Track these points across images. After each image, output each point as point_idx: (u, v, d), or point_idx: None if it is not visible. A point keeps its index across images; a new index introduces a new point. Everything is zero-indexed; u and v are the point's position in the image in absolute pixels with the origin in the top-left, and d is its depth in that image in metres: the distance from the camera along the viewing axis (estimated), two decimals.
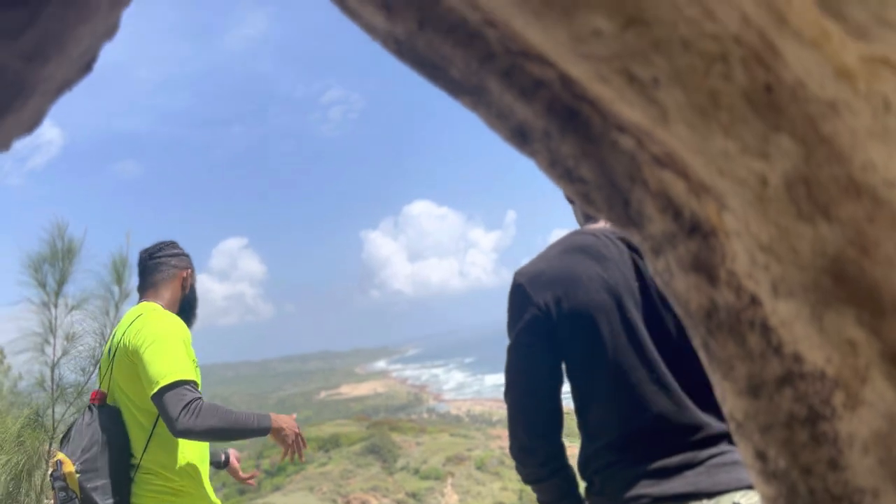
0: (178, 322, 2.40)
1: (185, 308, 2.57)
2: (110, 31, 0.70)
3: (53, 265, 3.95)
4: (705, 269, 0.73)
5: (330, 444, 44.74)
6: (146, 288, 2.53)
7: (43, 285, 3.99)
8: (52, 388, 3.92)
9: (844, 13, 0.48)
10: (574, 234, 1.60)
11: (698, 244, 0.73)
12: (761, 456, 0.76)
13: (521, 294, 1.52)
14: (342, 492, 38.18)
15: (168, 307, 2.48)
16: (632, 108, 0.66)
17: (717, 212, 0.70)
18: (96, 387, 2.49)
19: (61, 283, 4.00)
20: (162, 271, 2.54)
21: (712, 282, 0.73)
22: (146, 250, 2.61)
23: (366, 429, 46.89)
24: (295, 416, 2.50)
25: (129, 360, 2.31)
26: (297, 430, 2.39)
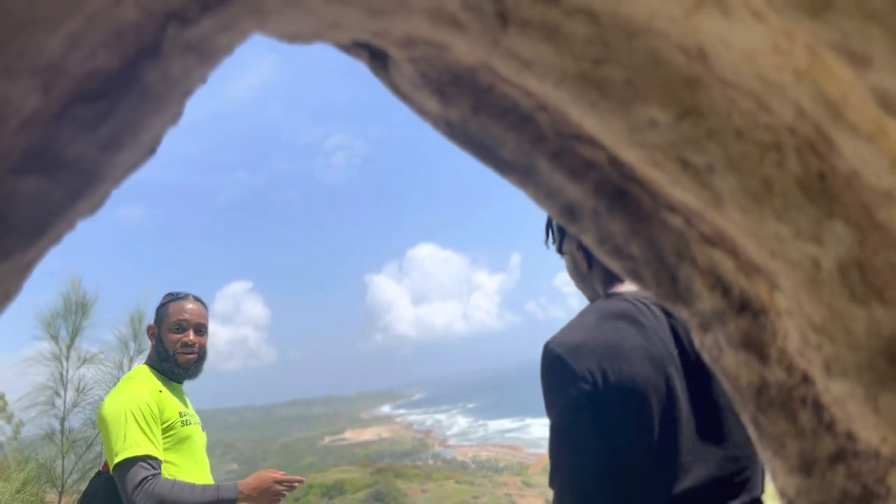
0: (133, 391, 2.35)
1: (163, 361, 2.54)
2: (176, 117, 0.73)
3: (66, 318, 3.97)
4: (755, 346, 0.74)
5: (334, 491, 44.06)
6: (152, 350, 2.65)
7: (55, 338, 4.00)
8: (62, 440, 3.90)
9: None
10: (608, 300, 1.53)
11: (748, 322, 0.74)
12: None
13: (561, 367, 1.42)
14: None
15: (150, 363, 2.54)
16: (685, 192, 0.68)
17: (769, 291, 0.71)
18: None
19: (74, 335, 4.02)
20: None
21: (763, 359, 0.74)
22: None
23: (370, 475, 46.21)
24: (272, 471, 2.45)
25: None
26: (275, 478, 2.38)
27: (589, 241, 0.78)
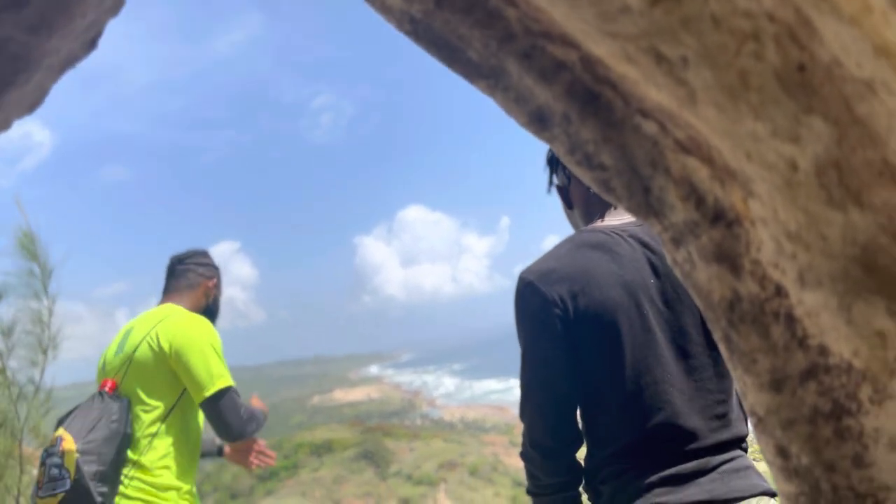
0: (212, 326, 2.45)
1: (205, 316, 2.58)
2: (117, 5, 0.68)
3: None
4: (729, 258, 0.71)
5: (323, 450, 44.55)
6: (170, 291, 2.59)
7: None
8: (9, 387, 3.83)
9: None
10: (584, 231, 1.52)
11: (722, 233, 0.71)
12: (783, 452, 0.74)
13: (532, 292, 1.42)
14: (334, 497, 38.01)
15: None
16: (658, 90, 0.64)
17: (743, 199, 0.68)
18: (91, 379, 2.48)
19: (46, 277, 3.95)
20: (188, 278, 2.60)
21: (736, 272, 0.71)
22: (177, 255, 2.66)
23: (359, 434, 46.69)
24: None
25: (157, 359, 2.32)
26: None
27: (559, 150, 0.75)
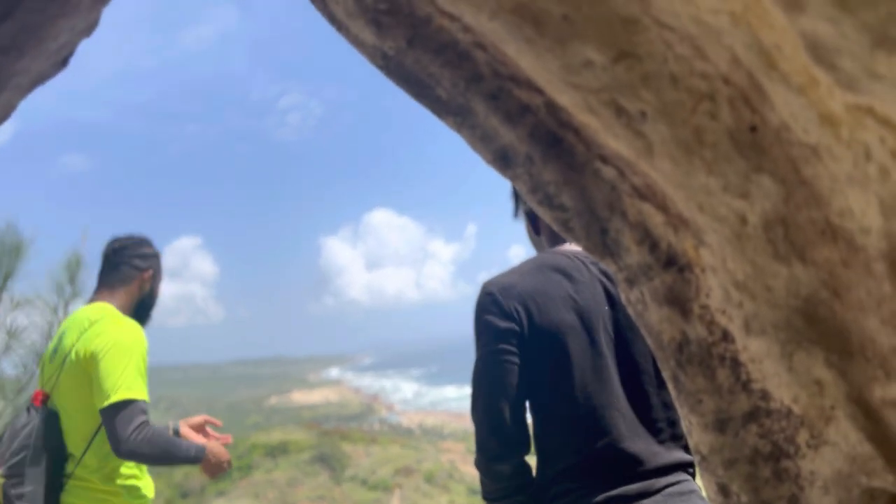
0: (138, 331, 2.35)
1: (140, 308, 2.50)
2: (90, 27, 0.68)
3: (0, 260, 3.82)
4: (679, 302, 0.74)
5: (278, 451, 44.05)
6: (103, 286, 2.46)
7: None
8: None
9: (835, 63, 0.49)
10: (547, 253, 1.59)
11: (673, 277, 0.74)
12: (724, 490, 0.77)
13: (492, 303, 1.49)
14: (288, 500, 37.61)
15: (121, 310, 2.41)
16: (617, 140, 0.66)
17: (694, 247, 0.71)
18: (37, 386, 2.40)
19: (6, 278, 3.88)
20: (122, 272, 2.46)
21: (685, 315, 0.74)
22: (113, 244, 2.51)
23: (315, 437, 46.30)
24: (227, 446, 2.50)
25: (82, 365, 2.24)
26: (225, 462, 2.41)
27: (521, 188, 0.77)
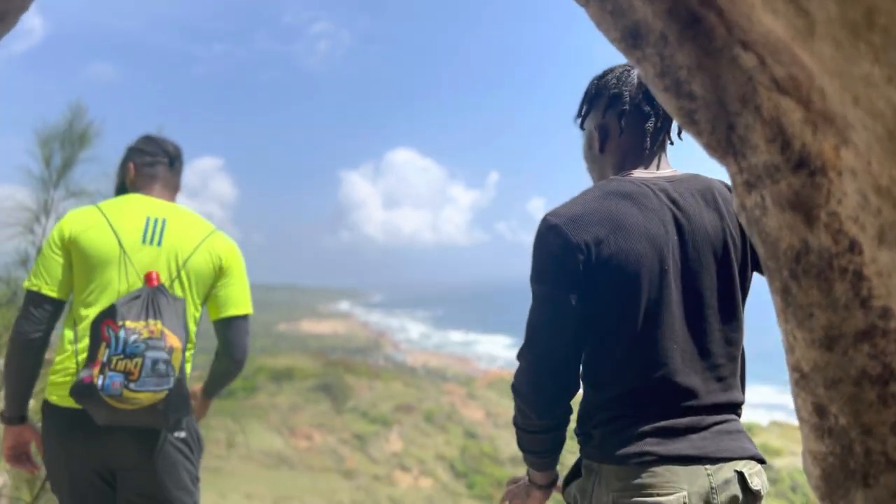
0: None
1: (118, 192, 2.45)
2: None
3: (64, 145, 3.76)
4: (804, 207, 0.70)
5: (283, 376, 44.92)
6: (166, 186, 2.37)
7: (47, 161, 3.80)
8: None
9: None
10: (613, 180, 1.49)
11: (802, 180, 0.69)
12: (821, 411, 0.74)
13: (556, 235, 1.39)
14: (288, 423, 38.53)
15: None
16: (775, 17, 0.61)
17: (835, 147, 0.66)
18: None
19: (68, 164, 3.83)
20: (179, 179, 2.46)
21: (809, 222, 0.70)
22: (176, 147, 2.45)
23: (321, 366, 47.12)
24: None
25: (214, 274, 2.26)
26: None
27: (648, 72, 0.72)
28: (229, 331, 2.26)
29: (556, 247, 1.38)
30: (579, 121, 1.65)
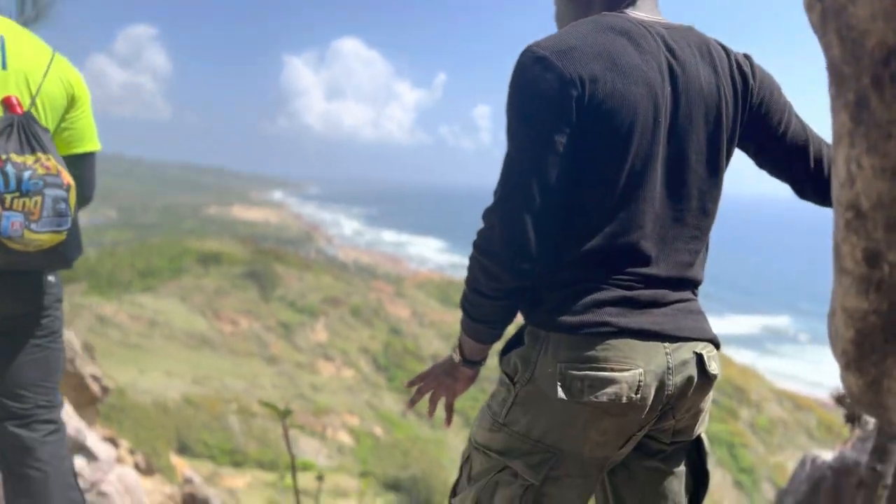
0: None
1: None
2: None
3: None
4: None
5: (210, 260, 44.36)
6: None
7: None
8: None
9: None
10: (605, 15, 1.28)
11: None
12: (872, 259, 0.60)
13: (545, 67, 1.18)
14: (213, 307, 38.37)
15: None
16: None
17: None
18: None
19: None
20: None
21: None
22: None
23: (250, 253, 46.66)
24: None
25: (67, 102, 1.95)
26: None
27: None
28: (83, 168, 2.01)
29: (546, 81, 1.19)
30: None
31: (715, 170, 1.30)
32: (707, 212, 1.31)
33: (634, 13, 1.30)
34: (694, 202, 1.28)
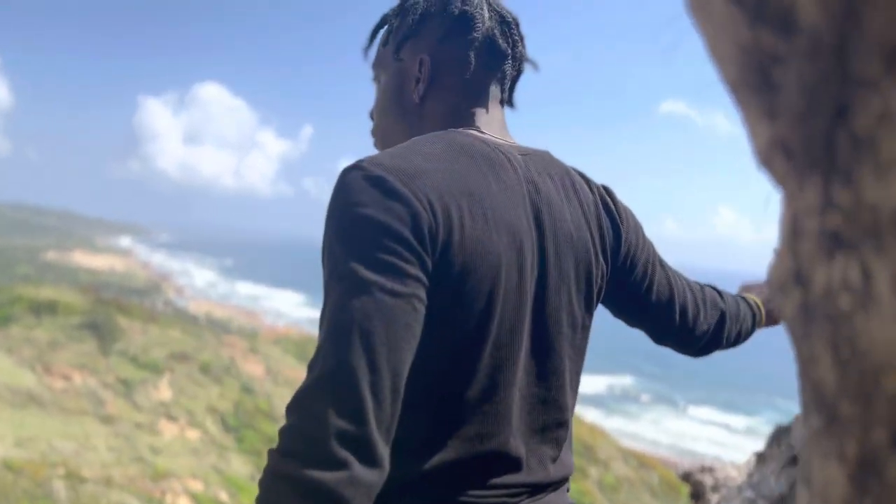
0: None
1: None
2: None
3: None
4: None
5: (45, 309, 41.04)
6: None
7: None
8: None
9: None
10: (455, 132, 0.99)
11: None
12: None
13: (387, 191, 0.84)
14: (44, 360, 35.29)
15: None
16: None
17: None
18: None
19: None
20: None
21: None
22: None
23: (90, 303, 43.59)
24: None
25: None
26: None
27: None
28: None
29: (386, 209, 0.83)
30: (388, 48, 1.10)
31: (585, 335, 1.07)
32: (575, 388, 1.07)
33: (485, 133, 1.04)
34: (564, 377, 1.02)
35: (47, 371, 33.81)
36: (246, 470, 27.13)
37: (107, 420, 30.09)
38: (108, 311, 41.46)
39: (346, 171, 0.88)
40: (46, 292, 43.90)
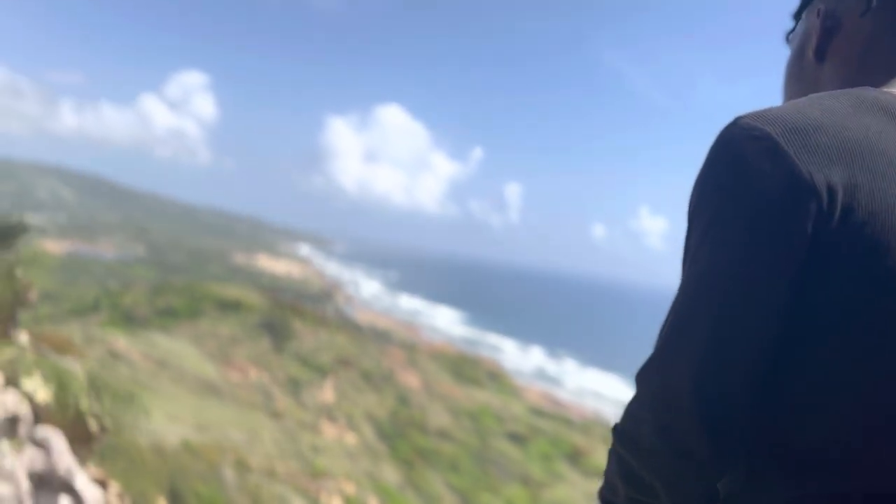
0: None
1: None
2: None
3: None
4: None
5: (229, 306, 44.57)
6: None
7: None
8: None
9: None
10: (866, 89, 0.83)
11: None
12: None
13: (772, 158, 0.72)
14: (225, 353, 38.29)
15: None
16: None
17: None
18: None
19: None
20: None
21: None
22: None
23: (269, 304, 46.79)
24: None
25: None
26: None
27: None
28: None
29: (768, 181, 0.72)
30: (799, 16, 1.01)
31: None
32: None
33: None
34: None
35: (227, 364, 36.67)
36: (395, 478, 27.81)
37: (275, 415, 32.07)
38: (284, 313, 44.39)
39: (728, 127, 0.78)
40: (232, 291, 47.77)
